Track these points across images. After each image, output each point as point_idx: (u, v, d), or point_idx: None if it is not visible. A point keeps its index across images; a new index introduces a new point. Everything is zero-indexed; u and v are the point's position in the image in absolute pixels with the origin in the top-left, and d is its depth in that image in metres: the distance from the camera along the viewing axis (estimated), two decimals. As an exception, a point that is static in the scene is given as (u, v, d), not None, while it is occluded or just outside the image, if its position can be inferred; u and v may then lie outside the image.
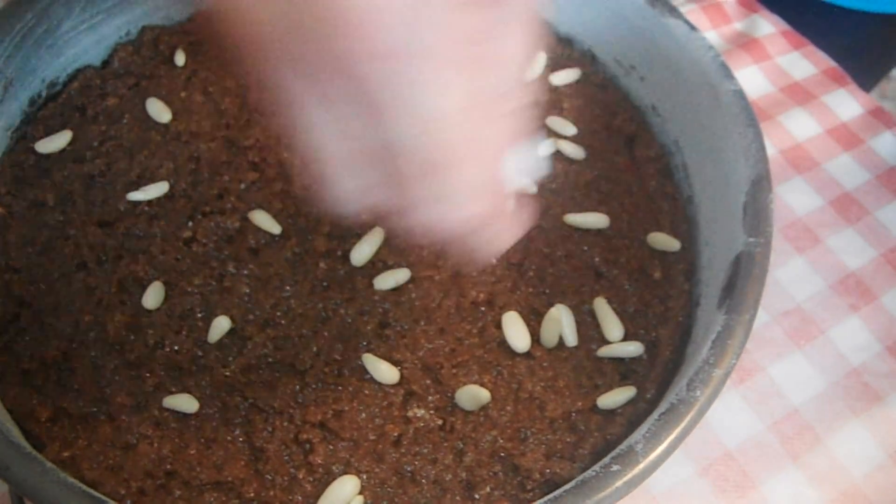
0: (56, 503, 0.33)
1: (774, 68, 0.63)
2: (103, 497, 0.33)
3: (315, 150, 0.29)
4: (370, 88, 0.26)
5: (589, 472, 0.35)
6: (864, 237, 0.55)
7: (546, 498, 0.35)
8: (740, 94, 0.47)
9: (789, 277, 0.54)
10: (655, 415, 0.37)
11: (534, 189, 0.48)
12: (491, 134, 0.29)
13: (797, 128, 0.60)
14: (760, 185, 0.43)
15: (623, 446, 0.36)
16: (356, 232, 0.46)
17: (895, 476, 0.48)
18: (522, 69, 0.30)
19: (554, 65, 0.54)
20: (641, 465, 0.35)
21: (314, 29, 0.25)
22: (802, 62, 0.63)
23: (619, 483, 0.35)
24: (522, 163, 0.32)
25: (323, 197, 0.31)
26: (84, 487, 0.34)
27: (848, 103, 0.62)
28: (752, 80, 0.62)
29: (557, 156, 0.50)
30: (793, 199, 0.57)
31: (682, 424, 0.37)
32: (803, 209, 0.56)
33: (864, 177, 0.58)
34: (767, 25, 0.65)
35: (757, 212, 0.43)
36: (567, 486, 0.35)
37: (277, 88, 0.28)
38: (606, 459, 0.36)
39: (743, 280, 0.41)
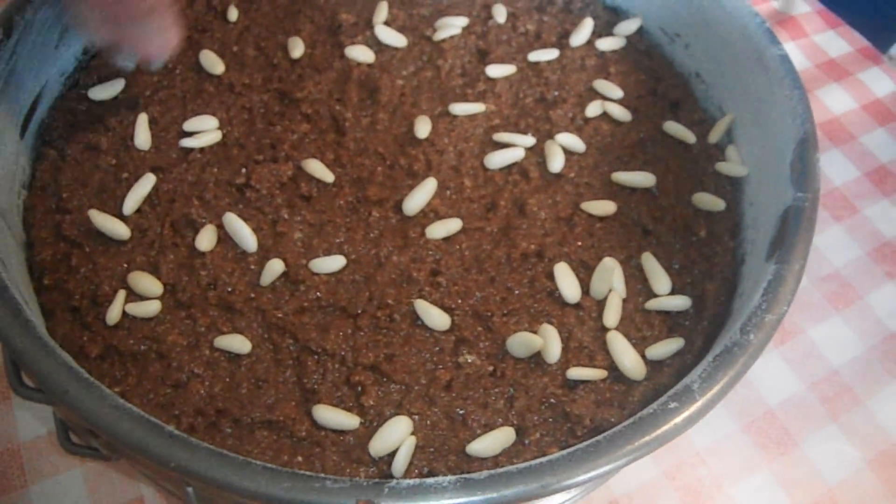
0: (115, 429, 0.33)
1: (811, 45, 0.64)
2: (158, 421, 0.33)
3: None
4: None
5: (647, 410, 0.36)
6: (900, 208, 0.56)
7: (607, 433, 0.35)
8: (786, 59, 0.47)
9: (827, 244, 0.54)
10: (710, 357, 0.37)
11: (582, 147, 0.48)
12: None
13: (834, 102, 0.61)
14: (807, 143, 0.44)
15: (679, 386, 0.36)
16: (408, 183, 0.46)
17: (934, 438, 0.48)
18: None
19: (601, 31, 0.55)
20: (699, 403, 0.36)
21: None
22: (838, 40, 0.64)
23: (677, 419, 0.35)
24: None
25: None
26: (140, 412, 0.34)
27: (882, 80, 0.62)
28: (789, 55, 0.63)
29: (604, 117, 0.50)
30: (830, 169, 0.57)
31: (737, 366, 0.37)
32: (840, 179, 0.57)
33: (898, 150, 0.59)
34: (804, 4, 0.66)
35: (804, 168, 0.43)
36: (627, 422, 0.35)
37: None
38: (664, 398, 0.36)
39: (792, 232, 0.41)
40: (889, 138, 0.59)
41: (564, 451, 0.34)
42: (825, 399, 0.49)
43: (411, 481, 0.33)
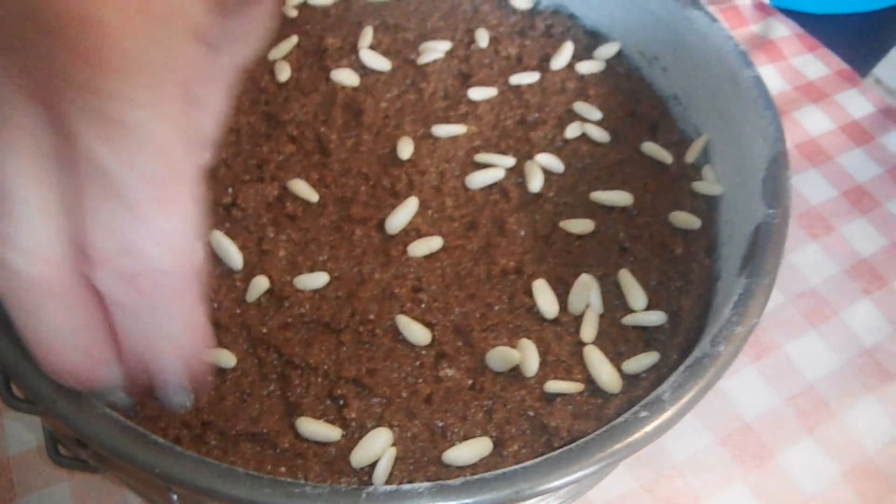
0: (101, 437, 0.34)
1: (789, 68, 0.66)
2: (143, 430, 0.35)
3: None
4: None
5: (619, 419, 0.37)
6: (876, 226, 0.57)
7: (580, 441, 0.36)
8: (759, 80, 0.49)
9: (804, 262, 0.55)
10: (682, 368, 0.38)
11: (562, 167, 0.50)
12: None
13: (811, 124, 0.62)
14: (778, 161, 0.45)
15: (651, 396, 0.38)
16: (391, 203, 0.47)
17: (907, 451, 0.49)
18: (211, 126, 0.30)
19: (581, 55, 0.56)
20: (668, 413, 0.37)
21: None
22: (816, 63, 0.66)
23: (647, 428, 0.36)
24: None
25: None
26: (125, 421, 0.35)
27: (859, 102, 0.64)
28: (767, 78, 0.63)
29: (584, 138, 0.52)
30: (807, 189, 0.59)
31: (707, 377, 0.38)
32: (817, 199, 0.58)
33: (875, 170, 0.60)
34: (782, 28, 0.68)
35: (775, 186, 0.45)
36: (599, 430, 0.36)
37: None
38: (636, 408, 0.37)
39: (763, 247, 0.42)
40: (866, 158, 0.61)
41: (538, 459, 0.36)
42: (801, 413, 0.50)
43: (388, 487, 0.35)
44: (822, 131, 0.62)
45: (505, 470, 0.35)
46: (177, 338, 0.28)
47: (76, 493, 0.46)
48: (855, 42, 0.69)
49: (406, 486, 0.34)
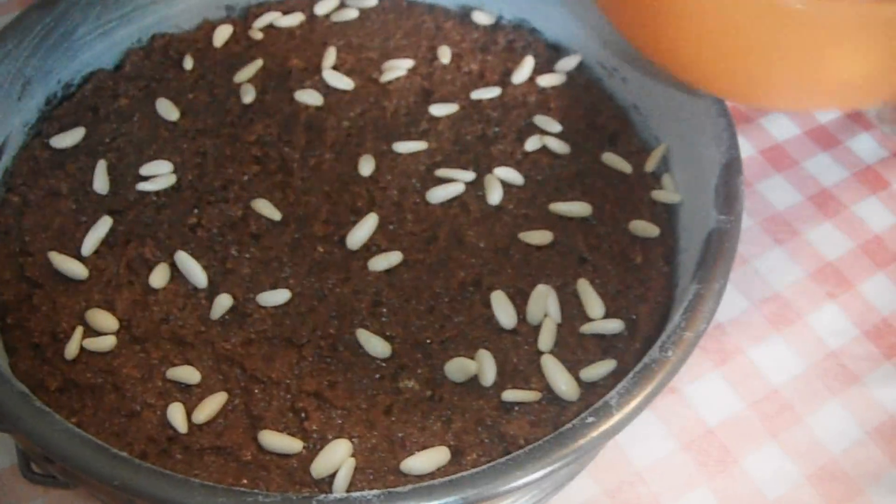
0: (63, 451, 0.36)
1: (755, 76, 0.66)
2: (103, 443, 0.36)
3: None
4: None
5: (567, 425, 0.38)
6: (842, 230, 0.58)
7: (530, 447, 0.37)
8: (713, 89, 0.50)
9: (769, 267, 0.56)
10: (630, 374, 0.39)
11: (521, 180, 0.51)
12: None
13: (777, 129, 0.62)
14: (731, 167, 0.46)
15: (599, 402, 0.38)
16: (352, 219, 0.48)
17: (871, 451, 0.49)
18: None
19: (542, 68, 0.57)
20: (615, 418, 0.37)
21: None
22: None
23: (594, 433, 0.37)
24: None
25: None
26: (87, 436, 0.36)
27: (826, 107, 0.64)
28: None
29: (544, 151, 0.53)
30: (772, 194, 0.59)
31: (655, 382, 0.39)
32: (783, 204, 0.59)
33: (841, 174, 0.61)
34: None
35: (727, 192, 0.45)
36: (547, 437, 0.37)
37: None
38: (584, 414, 0.38)
39: (713, 253, 0.43)
40: (832, 162, 0.61)
41: (486, 465, 0.36)
42: (765, 417, 0.50)
43: (338, 495, 0.36)
44: (788, 136, 0.63)
45: (452, 477, 0.36)
46: None
47: (50, 510, 0.47)
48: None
49: (355, 495, 0.35)
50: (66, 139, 0.51)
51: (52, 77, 0.52)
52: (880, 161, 0.62)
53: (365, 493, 0.35)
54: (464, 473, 0.36)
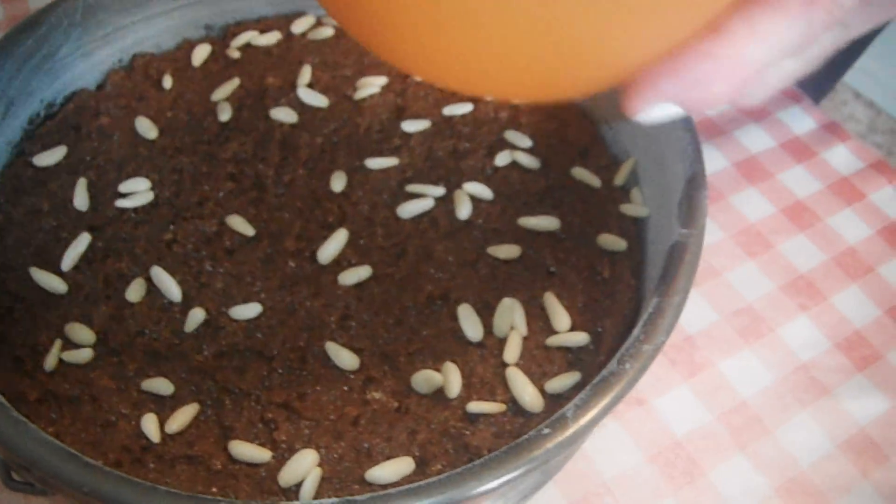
0: (35, 458, 0.36)
1: (731, 90, 0.66)
2: (75, 451, 0.37)
3: None
4: None
5: (523, 437, 0.38)
6: (815, 242, 0.58)
7: (486, 457, 0.38)
8: (680, 105, 0.50)
9: (740, 280, 0.56)
10: (588, 387, 0.40)
11: (490, 195, 0.51)
12: None
13: (751, 141, 0.63)
14: (695, 182, 0.47)
15: (556, 415, 0.39)
16: (323, 234, 0.49)
17: (842, 464, 0.50)
18: None
19: (515, 85, 0.58)
20: (570, 430, 0.38)
21: None
22: (758, 84, 0.67)
23: (549, 445, 0.38)
24: None
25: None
26: (59, 444, 0.37)
27: (801, 119, 0.65)
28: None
29: (514, 166, 0.54)
30: (745, 207, 0.60)
31: (612, 394, 0.39)
32: (755, 216, 0.59)
33: (816, 186, 0.61)
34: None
35: (691, 206, 0.46)
36: (503, 448, 0.38)
37: None
38: (541, 426, 0.39)
39: (675, 266, 0.44)
40: (807, 175, 0.61)
41: (442, 475, 0.37)
42: (733, 429, 0.50)
43: (300, 503, 0.37)
44: (763, 148, 0.63)
45: (409, 486, 0.37)
46: None
47: (31, 519, 0.49)
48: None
49: (315, 503, 0.36)
50: (49, 157, 0.52)
51: (35, 97, 0.53)
52: (856, 172, 0.63)
53: (323, 501, 0.36)
54: (421, 483, 0.37)
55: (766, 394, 0.52)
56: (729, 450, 0.50)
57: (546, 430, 0.38)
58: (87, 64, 0.56)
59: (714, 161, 0.60)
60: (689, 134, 0.49)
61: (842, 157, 0.63)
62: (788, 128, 0.64)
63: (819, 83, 0.76)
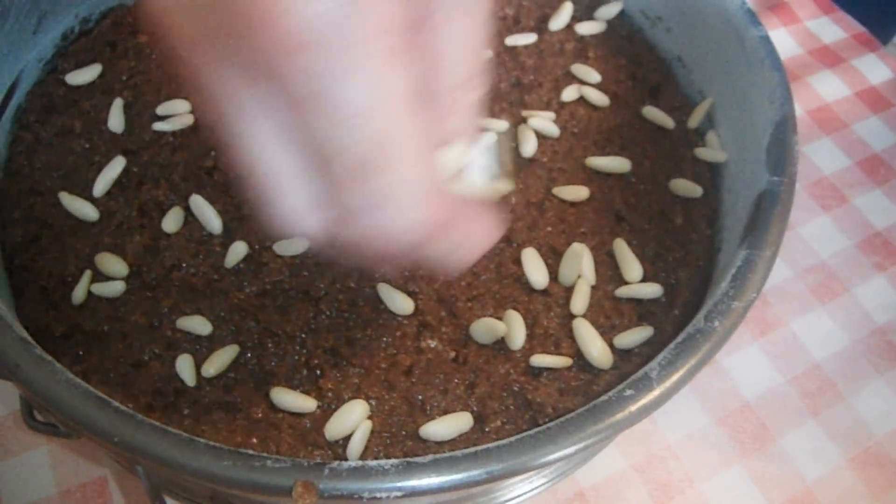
0: (61, 402, 0.33)
1: (803, 31, 0.63)
2: (105, 396, 0.33)
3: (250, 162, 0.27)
4: (292, 85, 0.24)
5: (602, 397, 0.35)
6: (892, 198, 0.55)
7: (561, 419, 0.34)
8: (766, 40, 0.46)
9: (814, 234, 0.53)
10: (672, 344, 0.36)
11: (556, 132, 0.48)
12: (432, 128, 0.27)
13: (825, 89, 0.59)
14: (785, 125, 0.43)
15: (639, 374, 0.36)
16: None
17: (919, 435, 0.47)
18: (470, 58, 0.29)
19: (581, 16, 0.54)
20: (656, 392, 0.35)
21: (235, 26, 0.23)
22: (832, 27, 0.63)
23: (633, 408, 0.34)
24: (476, 161, 0.30)
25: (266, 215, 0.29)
26: (88, 387, 0.34)
27: (878, 67, 0.61)
28: (780, 41, 0.61)
29: (581, 101, 0.50)
30: (819, 158, 0.56)
31: (699, 354, 0.36)
32: (830, 168, 0.56)
33: (892, 139, 0.57)
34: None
35: (780, 152, 0.42)
36: (580, 409, 0.34)
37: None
38: (621, 386, 0.35)
39: (765, 217, 0.40)
40: (883, 126, 0.58)
41: (513, 438, 0.34)
42: (806, 394, 0.47)
43: (352, 463, 0.33)
44: (837, 97, 0.59)
45: (477, 448, 0.33)
46: None
47: (54, 457, 0.46)
48: (874, 7, 0.66)
49: (371, 463, 0.33)
50: (82, 76, 0.49)
51: (70, 11, 0.50)
52: (935, 127, 0.59)
53: (382, 462, 0.33)
54: (489, 445, 0.33)
55: (840, 357, 0.49)
56: (801, 416, 0.47)
57: (628, 392, 0.35)
58: (125, -24, 0.52)
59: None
60: (777, 73, 0.45)
61: (920, 110, 0.59)
62: (865, 77, 0.60)
63: (884, 21, 0.72)
